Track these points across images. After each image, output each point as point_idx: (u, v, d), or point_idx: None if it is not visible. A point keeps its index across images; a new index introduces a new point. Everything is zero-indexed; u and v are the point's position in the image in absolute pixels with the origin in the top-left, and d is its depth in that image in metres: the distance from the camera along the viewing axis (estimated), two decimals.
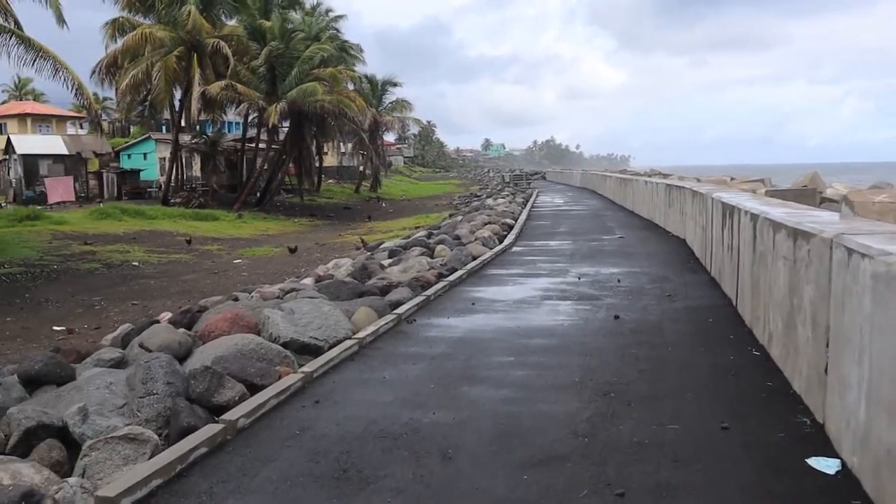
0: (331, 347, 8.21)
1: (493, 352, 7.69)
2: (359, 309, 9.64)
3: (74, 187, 54.49)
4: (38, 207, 42.90)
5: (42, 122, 77.79)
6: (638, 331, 8.43)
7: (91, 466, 5.13)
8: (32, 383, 7.47)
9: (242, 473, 4.88)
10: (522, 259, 15.62)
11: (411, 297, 10.85)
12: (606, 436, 5.24)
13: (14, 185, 54.71)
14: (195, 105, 43.05)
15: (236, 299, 12.51)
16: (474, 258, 15.31)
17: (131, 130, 76.66)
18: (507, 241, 18.51)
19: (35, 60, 21.86)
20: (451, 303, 10.62)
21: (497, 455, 4.98)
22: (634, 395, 6.08)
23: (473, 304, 10.45)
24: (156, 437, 5.40)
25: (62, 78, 22.94)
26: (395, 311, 9.65)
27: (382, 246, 19.85)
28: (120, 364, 8.04)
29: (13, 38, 21.27)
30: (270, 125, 45.48)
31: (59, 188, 49.42)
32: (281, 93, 45.19)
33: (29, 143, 58.72)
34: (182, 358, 7.82)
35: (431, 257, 15.75)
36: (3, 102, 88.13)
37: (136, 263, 26.62)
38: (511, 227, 22.52)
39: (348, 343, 7.97)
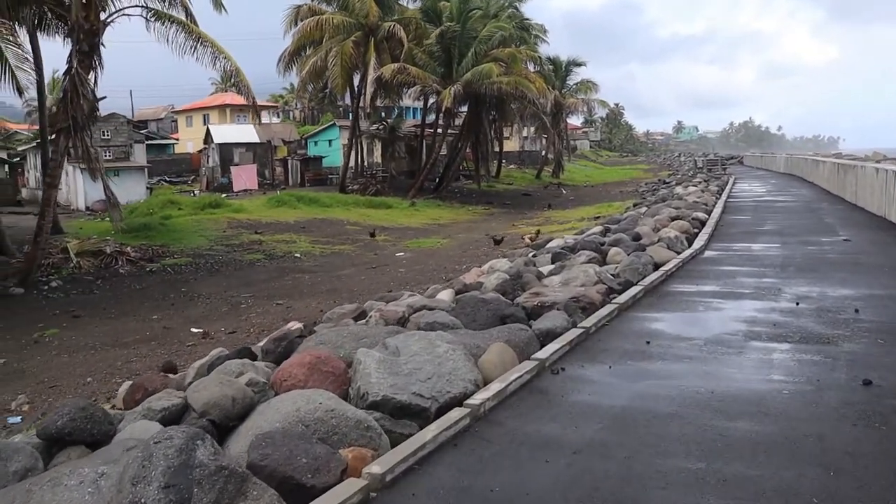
0: (439, 411, 5.90)
1: (670, 445, 4.96)
2: (491, 346, 7.23)
3: (264, 174, 56.21)
4: (223, 195, 44.13)
5: (240, 112, 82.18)
6: None
7: None
8: (57, 443, 5.79)
9: None
10: (717, 270, 12.41)
11: (566, 326, 8.27)
12: None
13: (207, 173, 57.30)
14: (370, 89, 42.38)
15: (362, 315, 10.54)
16: (656, 267, 12.38)
17: (320, 118, 78.53)
18: (697, 244, 15.28)
19: (195, 48, 21.21)
20: (618, 340, 7.88)
21: None
22: None
23: (648, 342, 7.66)
24: None
25: (221, 65, 22.22)
26: (536, 356, 7.08)
27: (549, 245, 17.26)
28: (177, 416, 6.17)
29: (173, 25, 20.70)
30: (445, 109, 43.87)
31: (244, 176, 50.91)
32: (457, 75, 43.43)
33: (224, 132, 61.47)
34: (237, 419, 5.79)
35: (602, 264, 13.01)
36: (212, 94, 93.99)
37: (298, 255, 25.80)
38: (703, 224, 19.10)
39: (456, 414, 5.54)
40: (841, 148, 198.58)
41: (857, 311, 8.69)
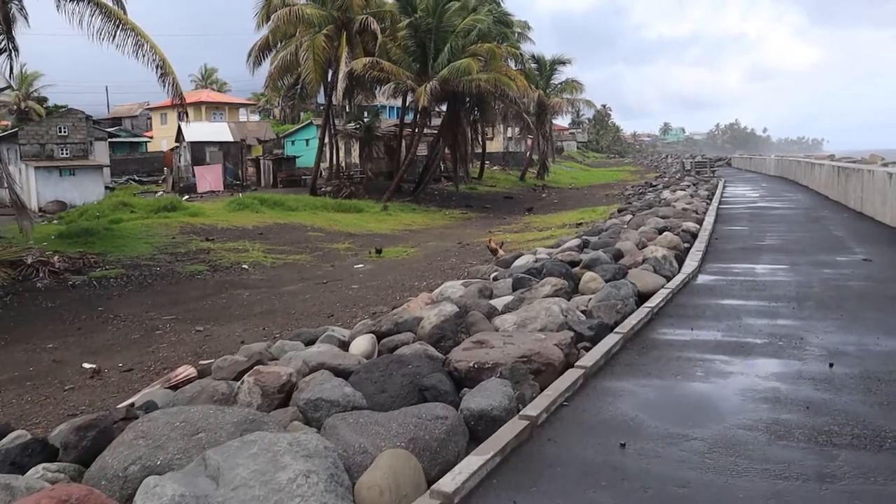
0: None
1: None
2: (381, 456, 4.68)
3: (237, 174, 53.57)
4: (185, 197, 41.47)
5: (216, 109, 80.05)
6: None
7: None
8: None
9: None
10: (716, 305, 9.80)
11: (507, 406, 5.70)
12: None
13: (174, 172, 54.63)
14: (341, 85, 39.75)
15: (255, 364, 7.91)
16: (639, 299, 9.85)
17: (300, 117, 75.87)
18: (689, 265, 12.72)
19: (115, 34, 18.47)
20: (578, 440, 5.25)
21: None
22: None
23: (624, 445, 5.07)
24: None
25: (145, 55, 19.41)
26: (440, 487, 4.47)
27: (516, 263, 14.71)
28: None
29: (89, 7, 17.97)
30: (421, 107, 41.22)
31: (208, 177, 48.24)
32: (433, 72, 40.81)
33: (196, 130, 59.07)
34: None
35: (573, 293, 10.48)
36: (189, 91, 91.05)
37: (246, 266, 23.13)
38: (694, 236, 16.62)
39: None
40: (825, 149, 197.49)
41: None
